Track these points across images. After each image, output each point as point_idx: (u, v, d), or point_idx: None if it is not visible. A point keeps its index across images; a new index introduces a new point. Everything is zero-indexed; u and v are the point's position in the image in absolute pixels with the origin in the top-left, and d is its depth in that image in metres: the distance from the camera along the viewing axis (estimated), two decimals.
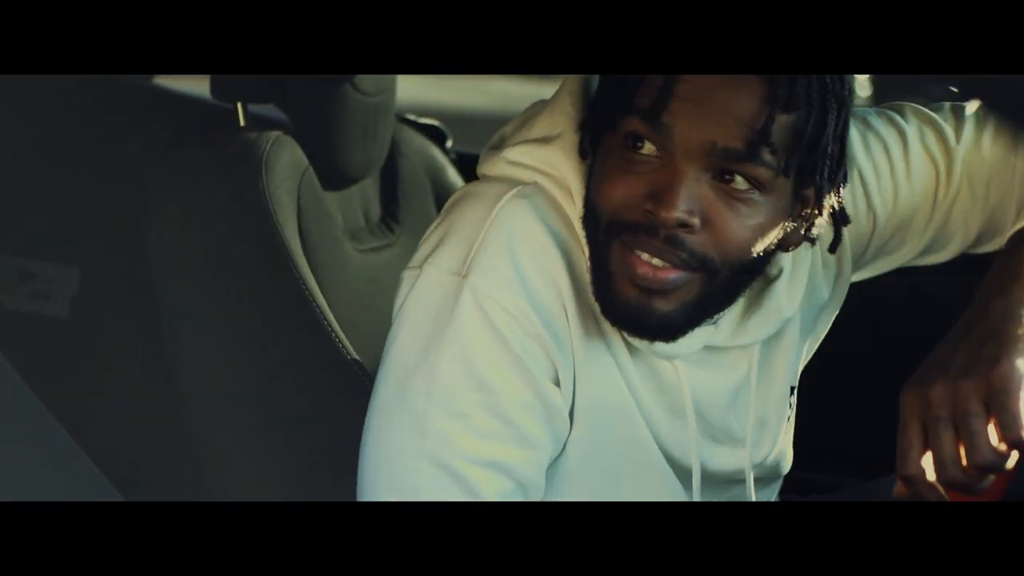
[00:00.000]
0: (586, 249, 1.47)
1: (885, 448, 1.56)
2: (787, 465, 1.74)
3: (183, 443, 1.79)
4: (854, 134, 1.63)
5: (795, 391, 1.70)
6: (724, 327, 1.55)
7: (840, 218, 1.53)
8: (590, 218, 1.46)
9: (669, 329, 1.44)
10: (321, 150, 1.93)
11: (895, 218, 1.67)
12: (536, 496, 1.47)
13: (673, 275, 1.40)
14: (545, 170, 1.50)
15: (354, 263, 1.96)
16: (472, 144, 2.52)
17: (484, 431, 1.42)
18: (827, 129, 1.42)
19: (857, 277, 1.74)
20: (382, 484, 1.43)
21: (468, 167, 2.26)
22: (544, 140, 1.52)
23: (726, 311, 1.51)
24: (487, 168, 1.56)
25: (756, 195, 1.40)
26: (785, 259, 1.57)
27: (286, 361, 1.75)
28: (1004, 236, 1.64)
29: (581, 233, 1.48)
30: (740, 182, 1.39)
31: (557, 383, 1.47)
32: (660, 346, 1.49)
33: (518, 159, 1.52)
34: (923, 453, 1.33)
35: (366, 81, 1.94)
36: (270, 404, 1.74)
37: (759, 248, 1.42)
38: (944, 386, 1.33)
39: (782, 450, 1.72)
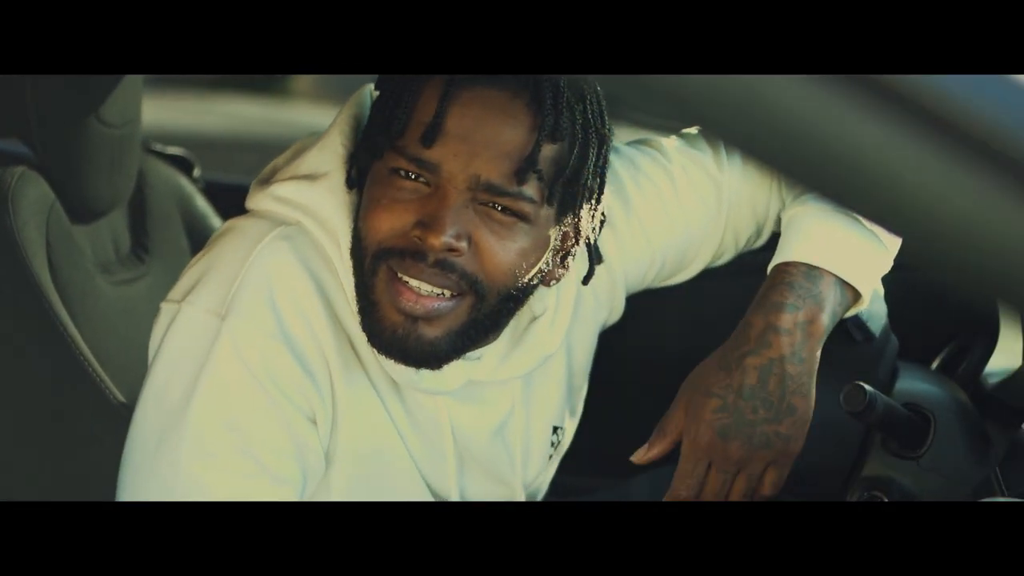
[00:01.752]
0: (348, 288, 1.49)
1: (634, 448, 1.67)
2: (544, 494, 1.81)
3: None
4: (625, 175, 1.71)
5: (560, 431, 1.76)
6: (487, 362, 1.59)
7: (594, 255, 1.59)
8: (357, 248, 1.48)
9: (435, 356, 1.48)
10: (67, 184, 1.92)
11: (672, 249, 1.75)
12: None
13: (437, 303, 1.44)
14: (310, 209, 1.51)
15: (107, 296, 1.95)
16: (218, 171, 2.53)
17: (235, 472, 1.43)
18: (587, 163, 1.48)
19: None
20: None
21: (216, 194, 2.28)
22: (311, 177, 1.53)
23: (490, 345, 1.57)
24: (254, 203, 1.56)
25: (521, 223, 1.45)
26: (550, 297, 1.62)
27: (40, 396, 1.73)
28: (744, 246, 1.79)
29: (344, 273, 1.49)
30: (506, 211, 1.44)
31: (314, 422, 1.49)
32: (425, 382, 1.53)
33: (284, 195, 1.52)
34: (699, 484, 1.56)
35: (111, 113, 1.93)
36: (26, 439, 1.73)
37: (524, 273, 1.48)
38: (745, 452, 1.55)
39: (542, 483, 1.78)
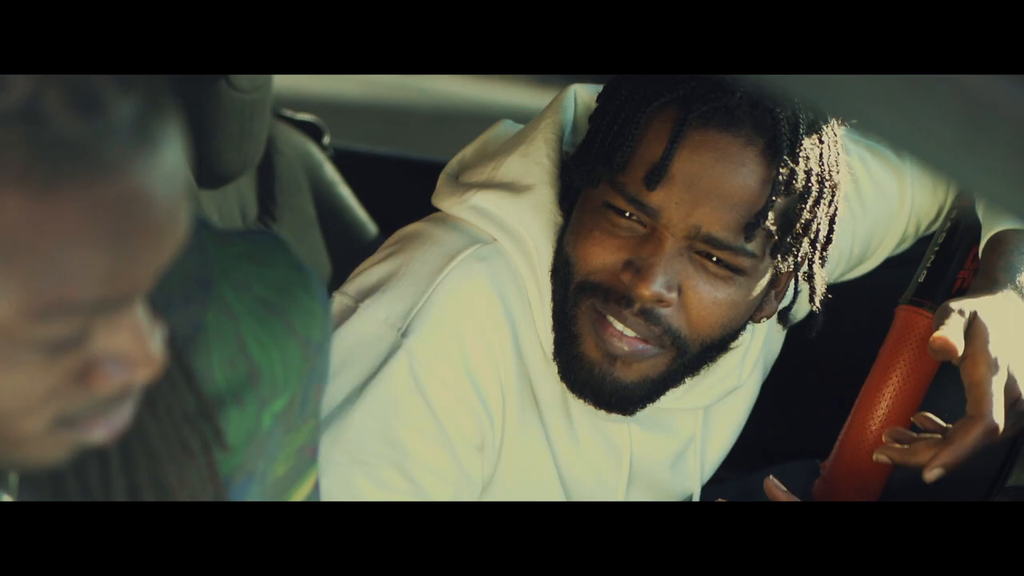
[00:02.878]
0: (540, 318, 1.42)
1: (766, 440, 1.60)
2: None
3: None
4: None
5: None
6: (673, 391, 1.48)
7: (810, 295, 1.49)
8: (561, 272, 1.40)
9: (628, 401, 1.40)
10: (196, 149, 1.89)
11: (860, 240, 1.67)
12: None
13: (640, 344, 1.36)
14: (512, 227, 1.43)
15: None
16: (348, 138, 2.50)
17: (384, 483, 1.38)
18: (818, 214, 1.39)
19: None
20: None
21: (345, 162, 2.25)
22: (514, 189, 1.44)
23: None
24: (448, 205, 1.48)
25: (739, 277, 1.37)
26: (745, 331, 1.51)
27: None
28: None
29: (537, 302, 1.42)
30: (725, 266, 1.36)
31: (479, 448, 1.43)
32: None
33: (485, 208, 1.44)
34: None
35: (242, 78, 1.90)
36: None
37: (732, 325, 1.40)
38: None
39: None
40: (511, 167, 1.45)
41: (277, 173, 2.11)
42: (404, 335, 1.38)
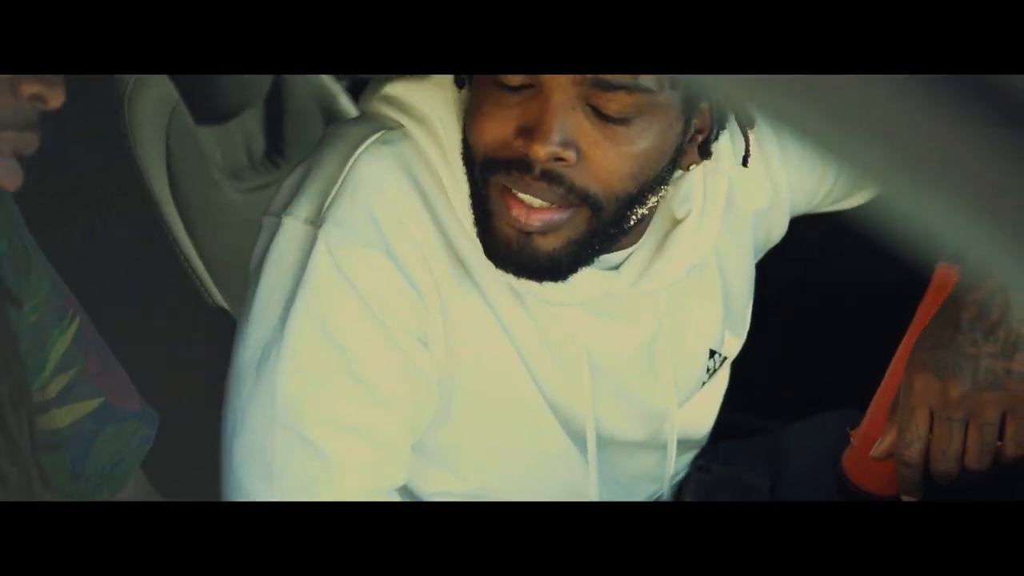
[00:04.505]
0: (456, 196, 1.36)
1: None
2: (701, 434, 1.64)
3: None
4: None
5: (717, 356, 1.58)
6: (627, 272, 1.42)
7: (744, 121, 1.39)
8: (467, 155, 1.34)
9: (555, 269, 1.33)
10: (193, 82, 1.79)
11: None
12: (399, 461, 1.38)
13: (550, 215, 1.29)
14: (416, 110, 1.39)
15: (234, 205, 1.83)
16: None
17: (336, 393, 1.33)
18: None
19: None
20: (237, 448, 1.34)
21: (362, 93, 2.14)
22: (420, 77, 1.40)
23: (630, 254, 1.40)
24: (362, 104, 1.47)
25: (635, 121, 1.27)
26: (695, 199, 1.43)
27: (148, 309, 1.64)
28: None
29: (450, 181, 1.37)
30: (617, 111, 1.26)
31: (424, 343, 1.37)
32: (551, 293, 1.37)
33: (391, 94, 1.41)
34: (926, 443, 1.41)
35: None
36: (133, 349, 1.64)
37: (647, 175, 1.30)
38: (969, 392, 1.39)
39: (697, 420, 1.61)
40: None
41: (286, 107, 2.00)
42: (320, 226, 1.34)
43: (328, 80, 2.10)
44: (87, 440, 1.30)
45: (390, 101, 1.41)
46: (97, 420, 1.31)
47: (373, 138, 1.38)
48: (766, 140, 1.49)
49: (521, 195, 1.28)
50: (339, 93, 2.10)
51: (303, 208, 1.36)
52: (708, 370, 1.57)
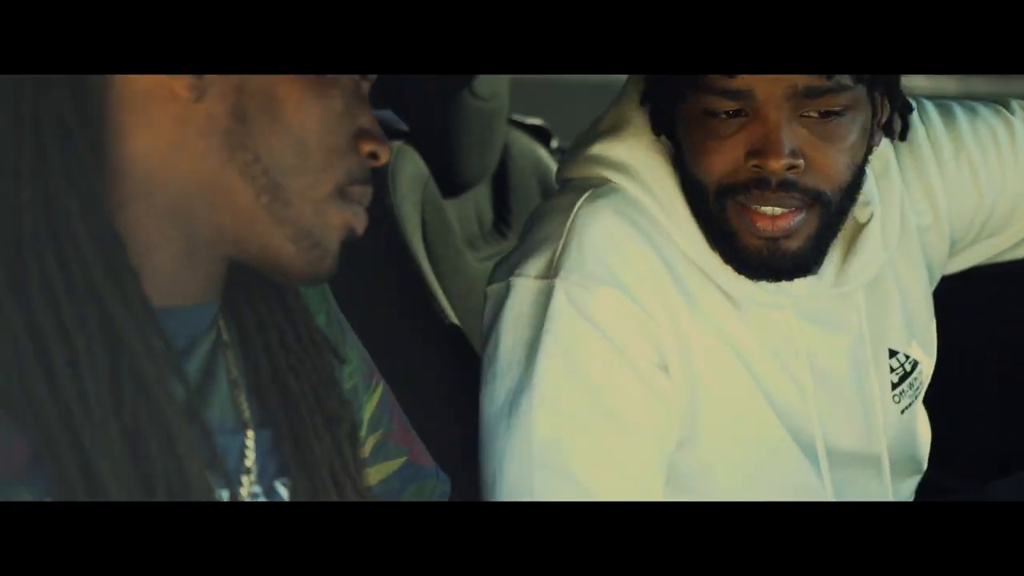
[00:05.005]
0: (670, 230, 1.48)
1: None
2: (916, 451, 1.67)
3: None
4: (961, 115, 1.66)
5: (900, 355, 1.64)
6: (827, 275, 1.54)
7: (903, 107, 1.56)
8: (695, 191, 1.46)
9: (804, 264, 1.47)
10: (440, 158, 1.88)
11: (1002, 198, 1.66)
12: (655, 487, 1.46)
13: (791, 219, 1.43)
14: (618, 163, 1.51)
15: (474, 272, 1.91)
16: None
17: (591, 429, 1.43)
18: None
19: (968, 261, 1.72)
20: (500, 496, 1.44)
21: None
22: (614, 130, 1.53)
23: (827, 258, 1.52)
24: (564, 171, 1.58)
25: (844, 117, 1.42)
26: (874, 204, 1.57)
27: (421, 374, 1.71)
28: None
29: (664, 214, 1.49)
30: (832, 109, 1.41)
31: (663, 368, 1.47)
32: (764, 295, 1.50)
33: (592, 154, 1.53)
34: None
35: (482, 85, 1.89)
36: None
37: (858, 162, 1.46)
38: None
39: (907, 433, 1.65)
40: (610, 116, 1.55)
41: (511, 179, 2.10)
42: (554, 277, 1.45)
43: (543, 152, 2.20)
44: (394, 497, 1.36)
45: (593, 161, 1.52)
46: (402, 479, 1.36)
47: (584, 197, 1.49)
48: (927, 163, 1.63)
49: (762, 208, 1.42)
50: (553, 165, 2.20)
51: (532, 267, 1.47)
52: (892, 370, 1.63)
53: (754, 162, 1.40)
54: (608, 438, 1.43)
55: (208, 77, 1.01)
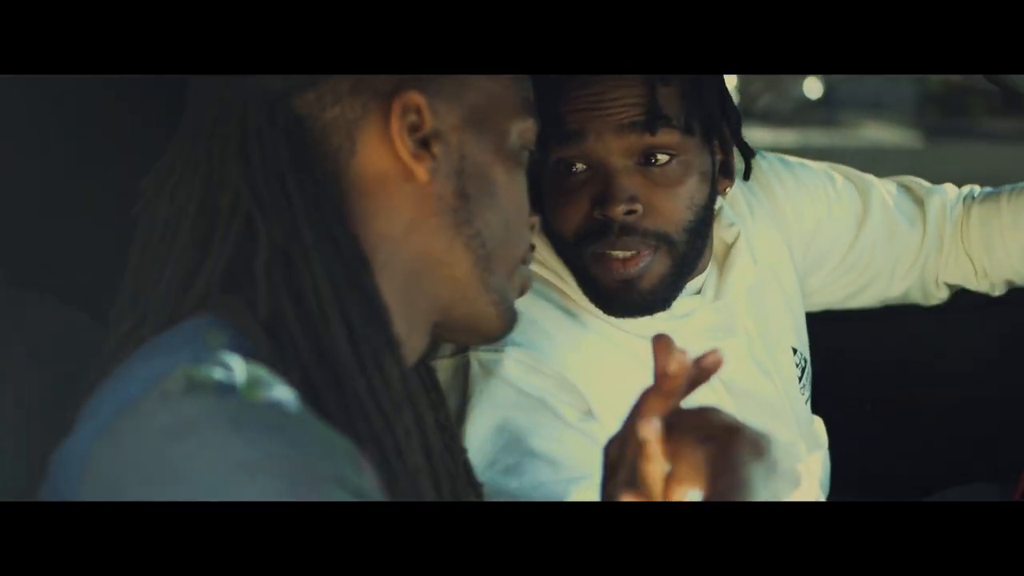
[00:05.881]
0: (565, 288, 1.64)
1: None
2: (818, 430, 1.85)
3: None
4: (798, 164, 1.87)
5: (799, 354, 1.81)
6: (708, 293, 1.71)
7: (745, 151, 1.74)
8: (559, 245, 1.63)
9: (661, 300, 1.61)
10: None
11: (821, 234, 1.86)
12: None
13: (640, 261, 1.57)
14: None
15: None
16: None
17: (526, 472, 1.52)
18: (704, 90, 1.61)
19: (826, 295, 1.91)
20: None
21: None
22: None
23: (705, 279, 1.70)
24: None
25: (675, 162, 1.57)
26: (738, 224, 1.75)
27: None
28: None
29: (553, 280, 1.64)
30: (661, 157, 1.57)
31: (589, 413, 1.59)
32: (657, 322, 1.62)
33: None
34: None
35: None
36: None
37: (698, 202, 1.60)
38: None
39: (806, 421, 1.81)
40: None
41: None
42: (466, 351, 1.59)
43: None
44: None
45: None
46: None
47: None
48: (770, 176, 1.83)
49: (613, 253, 1.57)
50: None
51: (443, 349, 1.59)
52: (796, 365, 1.80)
53: (597, 211, 1.56)
54: (545, 478, 1.52)
55: (439, 157, 1.15)
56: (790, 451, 1.04)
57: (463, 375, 1.57)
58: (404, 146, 1.13)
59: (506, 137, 1.20)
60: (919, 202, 1.90)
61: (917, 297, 1.93)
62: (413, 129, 1.14)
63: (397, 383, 1.08)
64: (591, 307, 1.63)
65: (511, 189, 1.20)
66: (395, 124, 1.13)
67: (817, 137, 8.82)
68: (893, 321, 1.97)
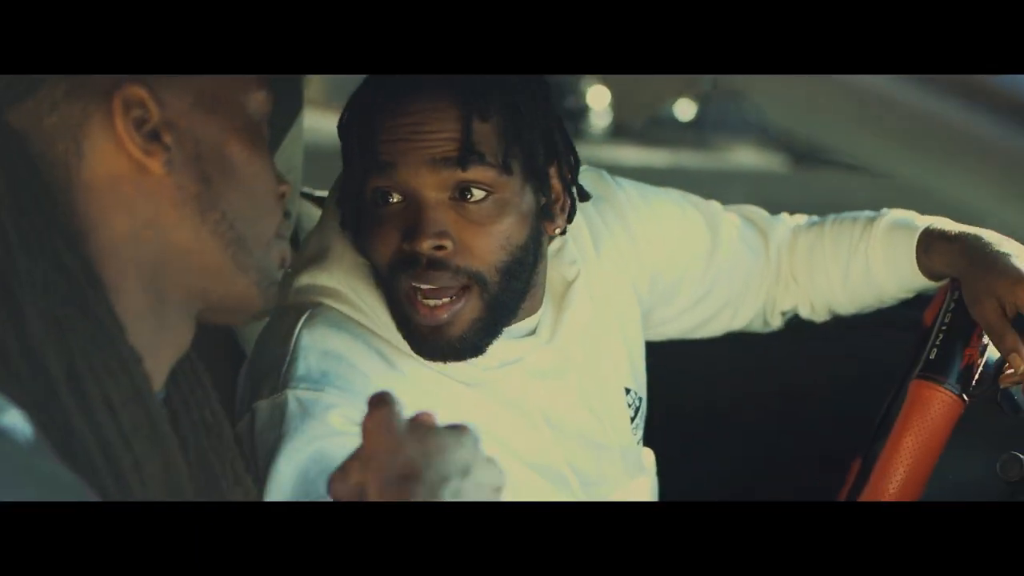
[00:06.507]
0: (378, 330, 1.59)
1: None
2: (648, 462, 1.85)
3: None
4: (651, 191, 1.86)
5: (633, 393, 1.79)
6: (543, 334, 1.67)
7: (579, 194, 1.68)
8: (377, 275, 1.59)
9: (472, 347, 1.57)
10: None
11: (670, 267, 1.86)
12: None
13: (448, 310, 1.53)
14: (325, 288, 1.61)
15: None
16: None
17: None
18: (525, 129, 1.56)
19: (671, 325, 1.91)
20: None
21: None
22: (317, 260, 1.63)
23: (539, 318, 1.66)
24: (280, 299, 1.57)
25: (491, 200, 1.52)
26: (579, 263, 1.71)
27: None
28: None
29: (378, 325, 1.59)
30: (476, 193, 1.52)
31: None
32: (485, 362, 1.59)
33: (300, 285, 1.63)
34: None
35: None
36: None
37: (516, 242, 1.55)
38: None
39: (635, 460, 1.81)
40: (312, 241, 1.67)
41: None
42: (284, 389, 1.54)
43: None
44: None
45: (304, 291, 1.62)
46: None
47: (303, 318, 1.59)
48: (626, 208, 1.81)
49: (425, 300, 1.53)
50: None
51: (265, 390, 1.55)
52: (629, 405, 1.78)
53: (406, 243, 1.52)
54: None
55: (172, 147, 1.12)
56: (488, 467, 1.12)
57: (280, 412, 1.52)
58: (132, 142, 1.11)
59: (240, 112, 1.18)
60: (763, 233, 1.92)
61: (757, 326, 1.95)
62: (140, 123, 1.12)
63: (132, 405, 1.07)
64: (406, 348, 1.59)
65: (253, 164, 1.18)
66: (119, 122, 1.11)
67: (688, 158, 9.00)
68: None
